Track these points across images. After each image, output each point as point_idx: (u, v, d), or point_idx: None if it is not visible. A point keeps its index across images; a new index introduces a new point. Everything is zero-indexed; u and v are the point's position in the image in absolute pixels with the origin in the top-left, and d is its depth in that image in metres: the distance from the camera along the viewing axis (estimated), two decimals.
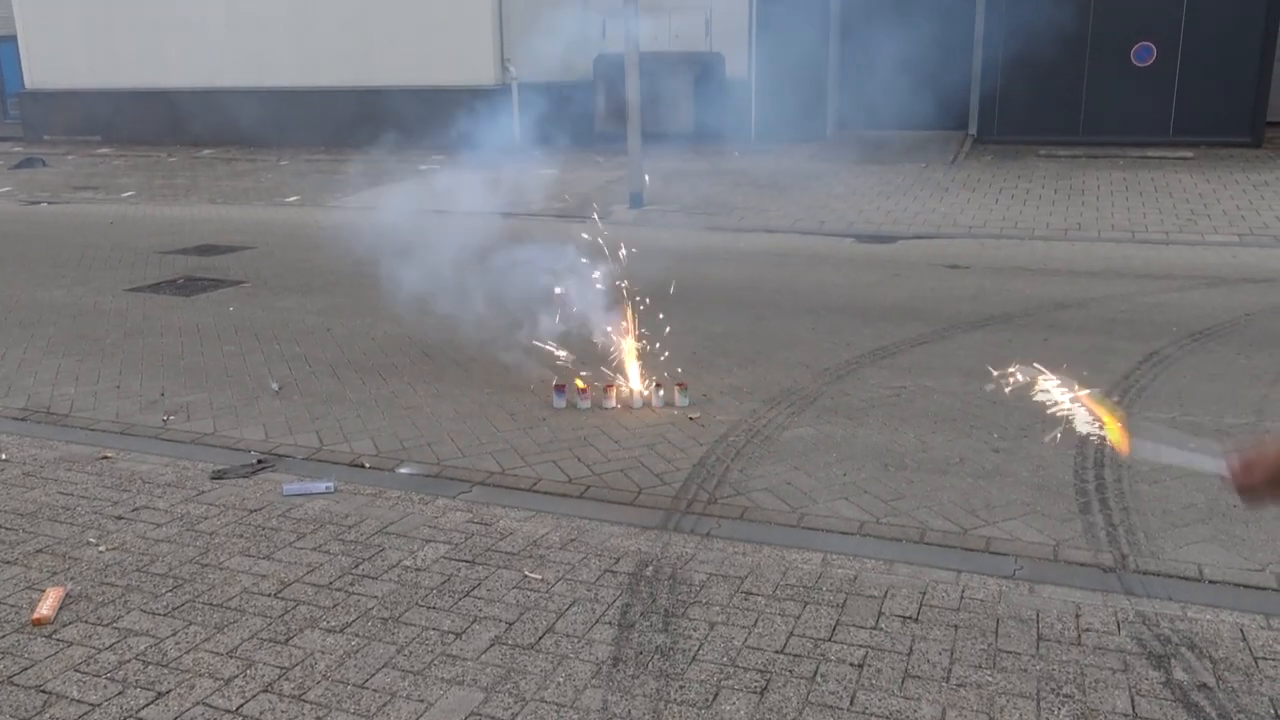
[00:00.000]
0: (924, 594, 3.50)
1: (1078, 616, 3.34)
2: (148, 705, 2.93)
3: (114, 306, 8.05)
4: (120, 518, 4.20)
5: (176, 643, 3.25)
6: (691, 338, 6.70)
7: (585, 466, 4.72)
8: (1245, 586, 3.55)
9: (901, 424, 5.17)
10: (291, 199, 14.21)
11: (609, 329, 5.93)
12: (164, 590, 3.59)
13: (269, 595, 3.55)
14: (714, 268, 9.16)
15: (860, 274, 8.88)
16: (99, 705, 2.94)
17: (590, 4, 19.01)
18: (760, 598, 3.49)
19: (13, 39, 23.33)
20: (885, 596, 3.49)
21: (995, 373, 5.09)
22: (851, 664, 3.10)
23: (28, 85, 23.22)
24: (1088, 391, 2.32)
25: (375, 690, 3.00)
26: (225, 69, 20.62)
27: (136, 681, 3.05)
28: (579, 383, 5.56)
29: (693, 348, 6.49)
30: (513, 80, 18.24)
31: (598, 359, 5.96)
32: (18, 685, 3.04)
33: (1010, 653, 3.15)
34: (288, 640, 3.26)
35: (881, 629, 3.29)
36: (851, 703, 2.91)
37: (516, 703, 2.93)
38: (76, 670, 3.11)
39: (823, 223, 11.36)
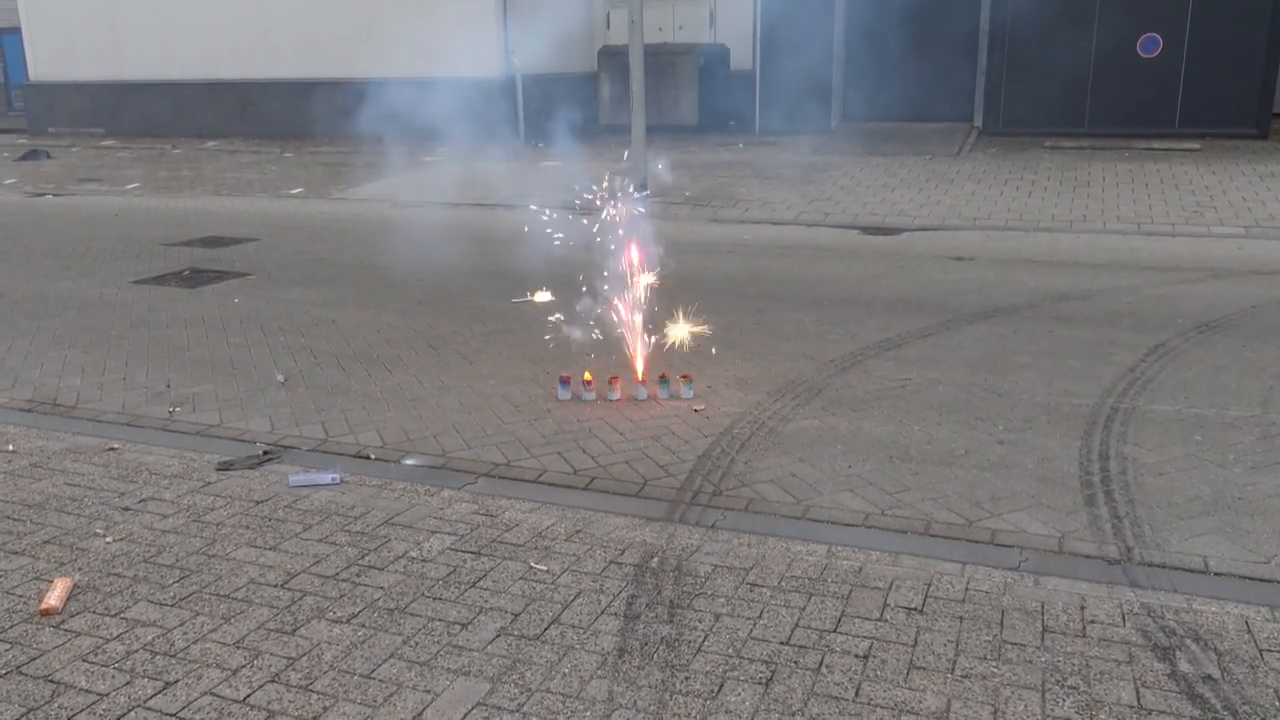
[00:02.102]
0: (929, 586, 3.50)
1: (1083, 608, 3.35)
2: (155, 695, 2.95)
3: (119, 298, 8.06)
4: (127, 509, 4.21)
5: (184, 633, 3.27)
6: (696, 329, 6.70)
7: (590, 458, 4.72)
8: (1250, 579, 3.55)
9: (906, 416, 5.17)
10: (296, 191, 14.22)
11: (614, 321, 5.93)
12: (171, 581, 3.60)
13: (275, 586, 3.56)
14: (718, 260, 9.15)
15: (865, 266, 8.87)
16: (107, 695, 2.95)
17: None
18: (765, 589, 3.49)
19: (17, 31, 23.36)
20: (890, 588, 3.49)
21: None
22: (857, 655, 3.10)
23: (32, 77, 23.23)
24: None
25: (382, 680, 3.01)
26: (229, 61, 20.61)
27: (144, 671, 3.06)
28: (585, 375, 5.57)
29: (697, 340, 6.48)
30: (516, 72, 18.22)
31: (603, 350, 5.96)
32: (26, 675, 3.05)
33: (1015, 644, 3.15)
34: (294, 631, 3.28)
35: (886, 620, 3.29)
36: (857, 694, 2.92)
37: (522, 693, 2.94)
38: (84, 660, 3.13)
39: (827, 214, 11.35)
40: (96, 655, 3.15)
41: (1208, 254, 9.10)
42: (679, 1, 19.90)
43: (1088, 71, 16.05)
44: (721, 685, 2.96)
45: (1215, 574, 3.59)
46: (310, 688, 2.98)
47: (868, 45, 16.09)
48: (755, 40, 17.77)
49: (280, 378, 5.95)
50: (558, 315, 6.35)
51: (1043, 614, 3.32)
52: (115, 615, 3.38)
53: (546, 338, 6.30)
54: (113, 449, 4.90)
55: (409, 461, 4.75)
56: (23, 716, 2.86)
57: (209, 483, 4.48)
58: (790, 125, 17.55)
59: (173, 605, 3.44)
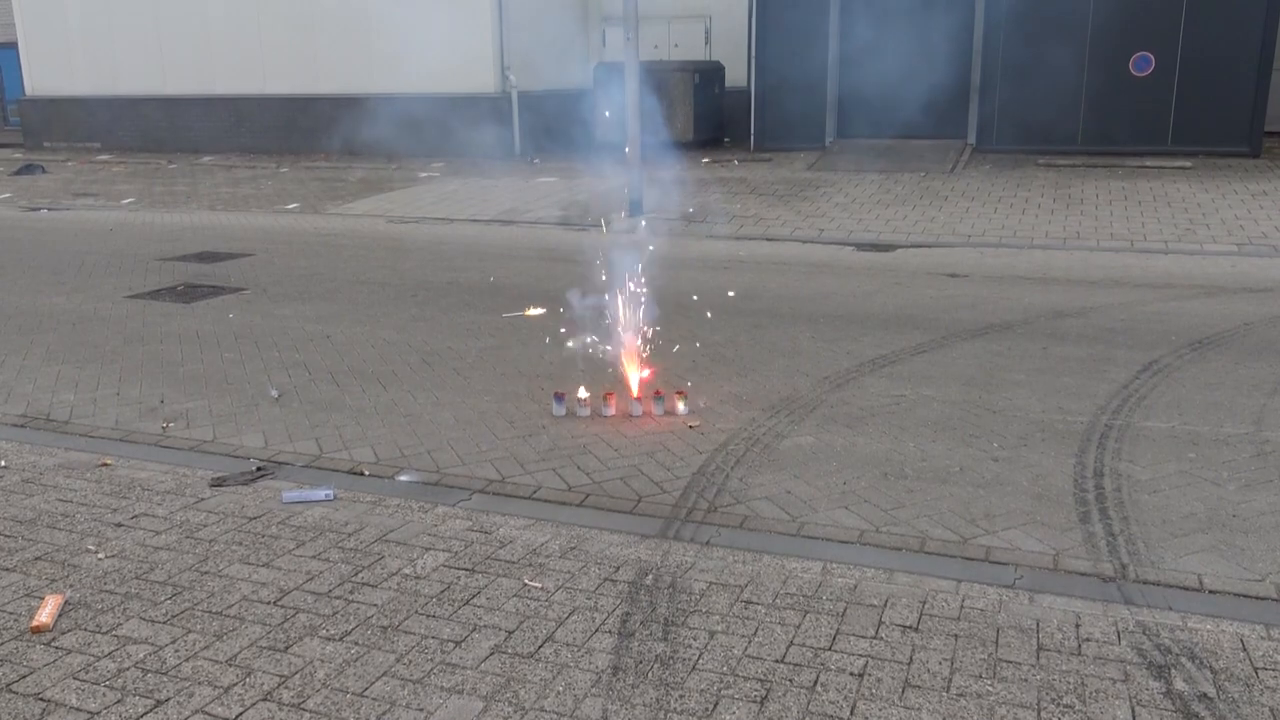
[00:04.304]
0: (924, 603, 3.50)
1: (1078, 626, 3.34)
2: (146, 713, 2.93)
3: (114, 313, 8.05)
4: (119, 525, 4.19)
5: (175, 650, 3.25)
6: (691, 346, 6.71)
7: (585, 474, 4.71)
8: (1245, 596, 3.55)
9: (901, 433, 5.17)
10: (291, 206, 14.23)
11: (609, 338, 5.94)
12: (163, 598, 3.58)
13: (268, 603, 3.54)
14: (713, 276, 9.17)
15: (859, 282, 8.89)
16: (98, 713, 2.93)
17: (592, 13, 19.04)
18: (760, 606, 3.48)
19: (13, 45, 23.40)
20: (885, 606, 3.49)
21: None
22: (852, 673, 3.10)
23: (28, 92, 23.26)
24: None
25: (375, 699, 2.99)
26: (225, 75, 20.66)
27: (135, 689, 3.04)
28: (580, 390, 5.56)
29: (692, 356, 6.49)
30: (512, 88, 18.28)
31: (598, 366, 5.96)
32: (16, 693, 3.03)
33: (1010, 662, 3.14)
34: (287, 648, 3.26)
35: (882, 638, 3.29)
36: (852, 712, 2.91)
37: (516, 712, 2.92)
38: (75, 678, 3.11)
39: (821, 231, 11.38)
40: (87, 673, 3.13)
41: (1201, 271, 9.13)
42: (675, 18, 20.02)
43: (1081, 89, 16.14)
44: (716, 704, 2.95)
45: (1210, 592, 3.58)
46: (303, 706, 2.96)
47: (862, 62, 16.18)
48: (750, 57, 17.86)
49: (274, 393, 5.94)
50: (562, 330, 6.34)
51: (1038, 632, 3.31)
52: (106, 632, 3.36)
53: (546, 340, 6.30)
54: (105, 465, 4.89)
55: (403, 478, 4.74)
56: None
57: (202, 499, 4.47)
58: (785, 142, 17.63)
59: (164, 622, 3.42)
